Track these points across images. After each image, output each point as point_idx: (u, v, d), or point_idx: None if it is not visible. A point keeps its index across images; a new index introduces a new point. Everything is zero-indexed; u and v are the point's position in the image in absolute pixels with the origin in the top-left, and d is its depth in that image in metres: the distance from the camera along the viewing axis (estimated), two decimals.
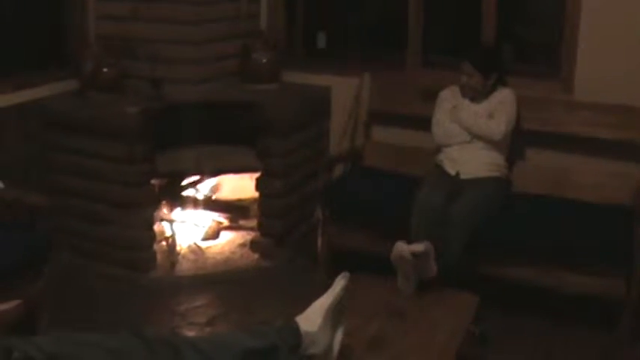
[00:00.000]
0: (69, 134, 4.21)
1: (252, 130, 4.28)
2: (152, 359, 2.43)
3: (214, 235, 4.63)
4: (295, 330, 2.68)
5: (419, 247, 3.30)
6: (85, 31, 4.41)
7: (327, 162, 4.46)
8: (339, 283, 2.79)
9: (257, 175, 4.40)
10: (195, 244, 4.54)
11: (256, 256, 4.48)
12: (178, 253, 4.45)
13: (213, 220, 4.66)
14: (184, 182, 4.62)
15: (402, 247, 3.31)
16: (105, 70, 4.21)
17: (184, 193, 4.65)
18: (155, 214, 4.42)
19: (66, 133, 4.22)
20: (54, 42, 4.48)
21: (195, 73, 4.29)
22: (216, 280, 4.29)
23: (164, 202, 4.56)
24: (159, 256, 4.38)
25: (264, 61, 4.48)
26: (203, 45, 4.29)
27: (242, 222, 4.67)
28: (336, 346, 2.77)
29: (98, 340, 2.46)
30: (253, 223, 4.56)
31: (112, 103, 4.16)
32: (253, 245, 4.50)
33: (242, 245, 4.59)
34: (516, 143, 4.10)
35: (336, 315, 2.77)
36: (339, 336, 2.78)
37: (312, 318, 2.72)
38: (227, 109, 4.30)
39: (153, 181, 4.28)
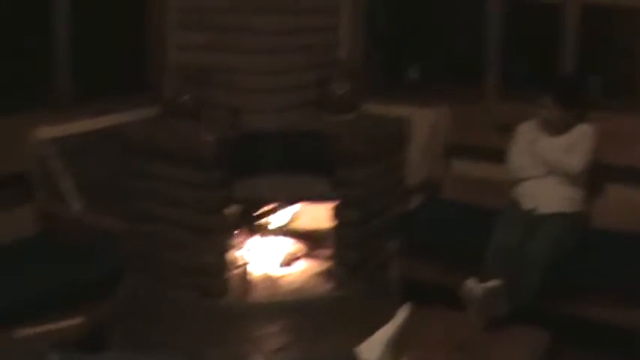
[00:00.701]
0: (147, 160, 4.29)
1: (329, 159, 4.28)
2: None
3: (289, 263, 4.62)
4: (353, 359, 2.66)
5: (491, 284, 3.25)
6: (165, 60, 4.49)
7: (403, 193, 4.43)
8: (401, 315, 2.77)
9: (333, 204, 4.38)
10: (269, 272, 4.54)
11: (330, 285, 4.45)
12: (252, 281, 4.45)
13: (289, 249, 4.65)
14: (261, 210, 4.63)
15: (471, 285, 3.28)
16: (184, 97, 4.27)
17: (260, 221, 4.66)
18: (230, 240, 4.44)
19: (144, 158, 4.29)
20: (135, 70, 4.58)
21: (272, 103, 4.32)
22: (289, 308, 4.27)
23: (240, 229, 4.58)
24: (232, 283, 4.38)
25: (342, 91, 4.48)
26: (280, 75, 4.33)
27: (317, 251, 4.65)
28: None
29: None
30: (329, 252, 4.53)
31: (189, 130, 4.22)
32: (328, 274, 4.48)
33: (317, 274, 4.57)
34: (597, 178, 3.99)
35: (396, 346, 2.73)
36: None
37: (372, 348, 2.71)
38: (303, 139, 4.31)
39: (228, 208, 4.30)
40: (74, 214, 3.86)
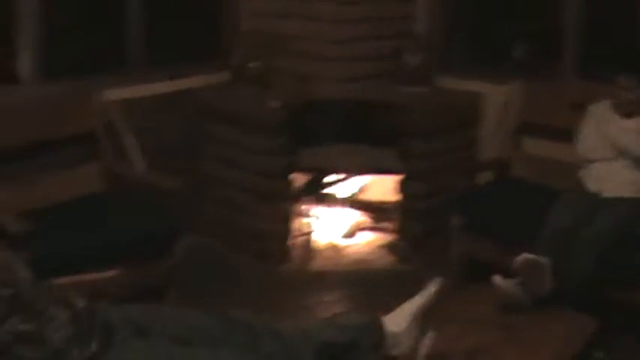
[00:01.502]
0: (216, 124, 4.38)
1: (397, 131, 4.25)
2: (229, 340, 2.47)
3: (353, 234, 4.63)
4: (379, 329, 2.65)
5: (534, 256, 3.20)
6: (237, 27, 4.53)
7: (472, 170, 4.36)
8: (431, 288, 2.74)
9: (399, 177, 4.35)
10: (332, 241, 4.55)
11: (392, 258, 4.45)
12: (315, 249, 4.48)
13: (354, 220, 4.65)
14: (327, 179, 4.65)
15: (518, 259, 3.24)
16: (253, 64, 4.32)
17: (326, 190, 4.68)
18: (294, 208, 4.48)
19: (213, 123, 4.38)
20: (209, 36, 4.64)
21: (341, 72, 4.33)
22: (349, 278, 4.29)
23: (305, 197, 4.61)
24: (294, 250, 4.43)
25: (415, 63, 4.43)
26: (350, 44, 4.32)
27: (382, 224, 4.64)
28: (422, 351, 2.71)
29: (183, 315, 2.53)
30: (393, 225, 4.52)
31: (257, 96, 4.26)
32: (391, 247, 4.47)
33: (380, 247, 4.57)
34: None
35: (423, 319, 2.71)
36: (426, 341, 2.72)
37: (398, 319, 2.68)
38: (372, 109, 4.29)
39: (294, 176, 4.33)
40: (137, 174, 3.95)
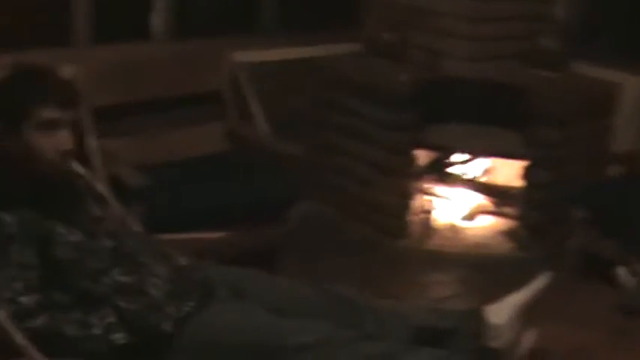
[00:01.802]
0: (343, 94, 4.36)
1: (525, 115, 4.14)
2: (327, 314, 2.47)
3: (474, 216, 4.55)
4: (480, 319, 2.61)
5: None
6: None
7: (602, 161, 4.21)
8: (538, 282, 2.66)
9: (524, 163, 4.24)
10: (452, 222, 4.50)
11: (511, 245, 4.35)
12: (434, 228, 4.43)
13: (475, 202, 4.57)
14: (452, 159, 4.58)
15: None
16: (385, 36, 4.28)
17: (450, 170, 4.61)
18: (416, 184, 4.44)
19: (341, 92, 4.37)
20: (344, 5, 4.66)
21: (474, 50, 4.23)
22: (465, 261, 4.24)
23: (429, 175, 4.56)
24: (413, 227, 4.39)
25: (551, 47, 4.29)
26: (485, 23, 4.22)
27: (504, 209, 4.53)
28: (524, 346, 2.64)
29: (282, 284, 2.56)
30: (514, 212, 4.41)
31: (387, 69, 4.22)
32: (510, 234, 4.38)
33: (499, 232, 4.47)
34: None
35: (526, 313, 2.64)
36: (528, 336, 2.65)
37: (501, 311, 2.64)
38: (502, 91, 4.19)
39: (417, 152, 4.29)
40: (260, 138, 3.99)
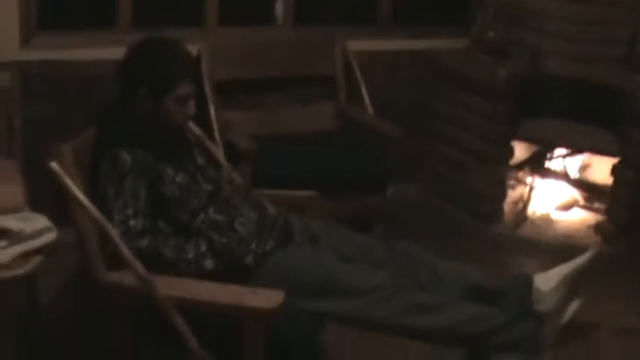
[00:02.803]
0: (449, 86, 4.70)
1: (620, 115, 4.35)
2: (391, 265, 2.84)
3: (567, 209, 4.79)
4: (529, 284, 2.90)
5: None
6: None
7: None
8: (585, 256, 2.94)
9: (615, 160, 4.46)
10: (545, 212, 4.75)
11: (598, 239, 4.55)
12: (528, 217, 4.70)
13: (569, 196, 4.81)
14: (551, 153, 4.84)
15: None
16: (491, 34, 4.58)
17: (548, 163, 4.87)
18: (514, 174, 4.74)
19: (447, 83, 4.71)
20: (456, 3, 4.97)
21: (575, 51, 4.44)
22: (552, 250, 4.45)
23: (527, 166, 4.84)
24: (508, 214, 4.68)
25: None
26: (588, 25, 4.42)
27: (595, 204, 4.76)
28: (568, 313, 2.91)
29: (354, 236, 2.95)
30: (604, 207, 4.63)
31: (490, 64, 4.53)
32: (598, 228, 4.59)
33: (589, 226, 4.68)
34: None
35: (574, 284, 2.91)
36: (574, 305, 2.92)
37: (549, 278, 2.92)
38: (598, 90, 4.40)
39: (515, 143, 4.58)
40: (367, 119, 4.38)
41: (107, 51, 3.64)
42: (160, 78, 2.69)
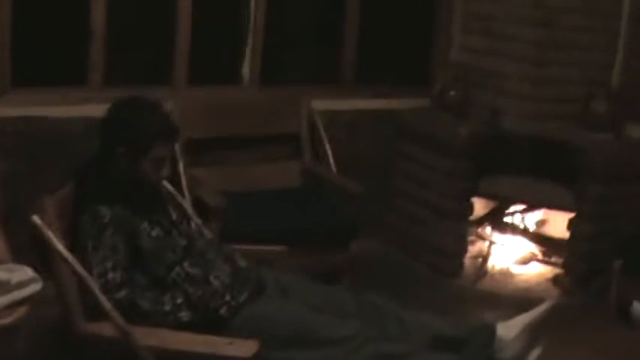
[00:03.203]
0: (410, 144, 4.85)
1: (575, 172, 4.51)
2: (359, 316, 2.93)
3: (525, 263, 4.92)
4: (492, 332, 3.01)
5: None
6: (446, 58, 4.99)
7: None
8: (545, 305, 3.06)
9: (571, 215, 4.61)
10: (505, 266, 4.88)
11: (556, 292, 4.68)
12: (488, 271, 4.83)
13: (528, 250, 4.95)
14: (510, 209, 4.99)
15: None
16: (452, 93, 4.75)
17: (508, 219, 5.01)
18: (473, 230, 4.87)
19: (408, 142, 4.86)
20: (417, 65, 5.15)
21: (530, 110, 4.63)
22: (514, 302, 4.50)
23: (485, 222, 4.98)
24: (468, 269, 4.80)
25: (603, 110, 4.63)
26: (544, 85, 4.62)
27: (553, 257, 4.90)
28: None
29: (323, 289, 3.04)
30: (561, 260, 4.77)
31: (449, 123, 4.68)
32: (556, 281, 4.72)
33: (548, 279, 4.81)
34: None
35: (534, 332, 3.02)
36: (534, 354, 3.03)
37: (510, 327, 3.03)
38: (554, 148, 4.56)
39: (474, 200, 4.72)
40: (330, 177, 4.49)
41: (79, 108, 3.75)
42: (139, 139, 2.79)
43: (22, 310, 2.06)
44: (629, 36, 4.78)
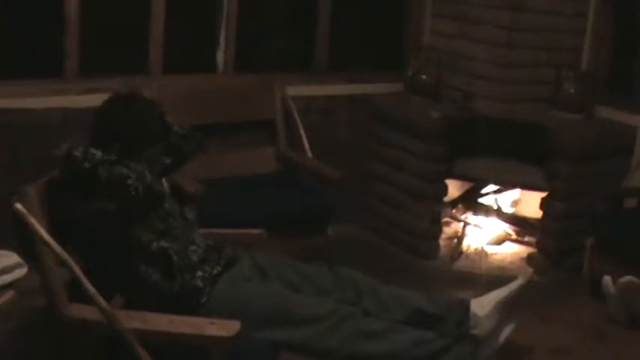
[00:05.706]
0: (384, 128, 4.92)
1: (546, 152, 4.60)
2: (336, 293, 2.99)
3: (499, 243, 5.01)
4: (466, 309, 3.07)
5: (627, 279, 3.46)
6: (418, 43, 5.05)
7: (612, 194, 4.61)
8: (518, 281, 3.13)
9: (543, 195, 4.70)
10: (480, 247, 4.97)
11: (530, 270, 4.76)
12: (462, 251, 4.91)
13: (501, 230, 5.04)
14: (484, 190, 5.07)
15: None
16: (424, 77, 4.82)
17: (481, 200, 5.09)
18: (449, 211, 4.95)
19: (382, 126, 4.93)
20: (389, 49, 5.22)
21: (502, 93, 4.71)
22: (489, 282, 4.58)
23: (460, 203, 5.06)
24: (443, 250, 4.88)
25: (573, 91, 4.74)
26: (514, 68, 4.70)
27: (526, 237, 4.99)
28: (502, 337, 3.09)
29: (301, 267, 3.08)
30: (534, 239, 4.87)
31: (423, 106, 4.76)
32: (530, 260, 4.81)
33: (522, 258, 4.91)
34: None
35: (507, 308, 3.09)
36: (507, 329, 3.10)
37: (484, 304, 3.10)
38: (526, 129, 4.66)
39: (448, 181, 4.80)
40: (305, 162, 4.56)
41: (57, 99, 3.77)
42: (134, 140, 2.84)
43: (9, 294, 2.10)
44: (598, 19, 4.86)
